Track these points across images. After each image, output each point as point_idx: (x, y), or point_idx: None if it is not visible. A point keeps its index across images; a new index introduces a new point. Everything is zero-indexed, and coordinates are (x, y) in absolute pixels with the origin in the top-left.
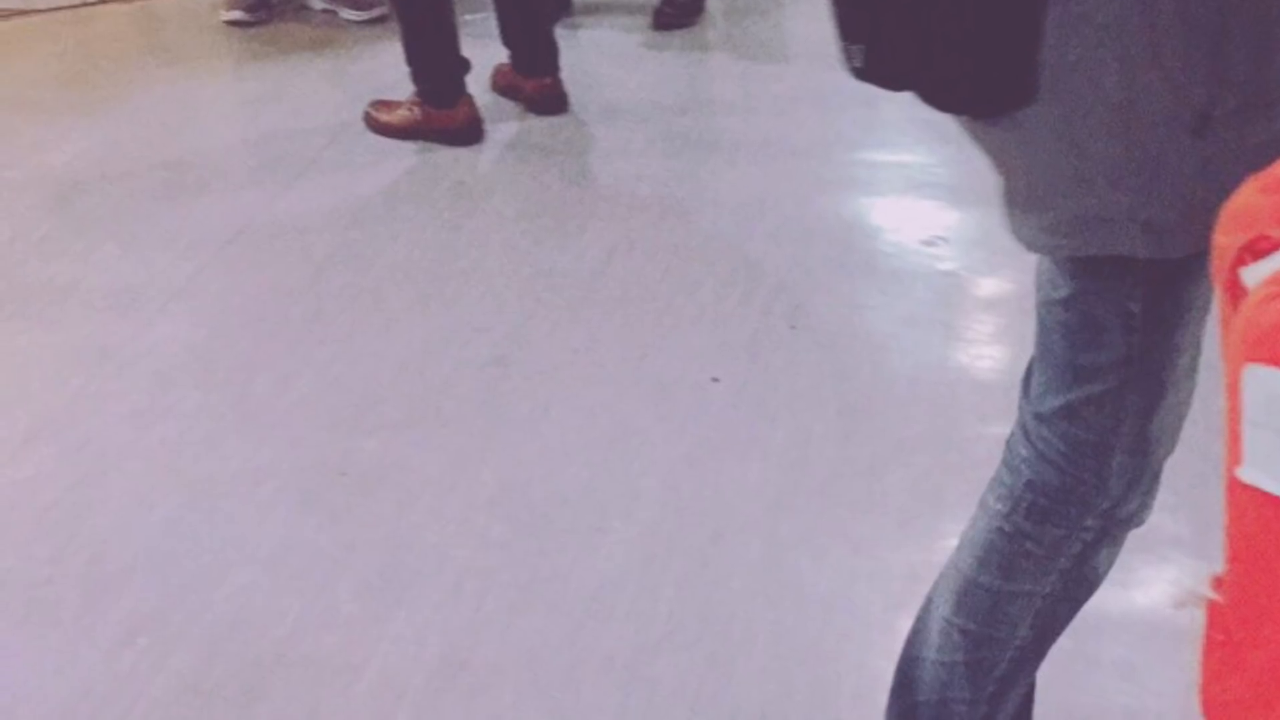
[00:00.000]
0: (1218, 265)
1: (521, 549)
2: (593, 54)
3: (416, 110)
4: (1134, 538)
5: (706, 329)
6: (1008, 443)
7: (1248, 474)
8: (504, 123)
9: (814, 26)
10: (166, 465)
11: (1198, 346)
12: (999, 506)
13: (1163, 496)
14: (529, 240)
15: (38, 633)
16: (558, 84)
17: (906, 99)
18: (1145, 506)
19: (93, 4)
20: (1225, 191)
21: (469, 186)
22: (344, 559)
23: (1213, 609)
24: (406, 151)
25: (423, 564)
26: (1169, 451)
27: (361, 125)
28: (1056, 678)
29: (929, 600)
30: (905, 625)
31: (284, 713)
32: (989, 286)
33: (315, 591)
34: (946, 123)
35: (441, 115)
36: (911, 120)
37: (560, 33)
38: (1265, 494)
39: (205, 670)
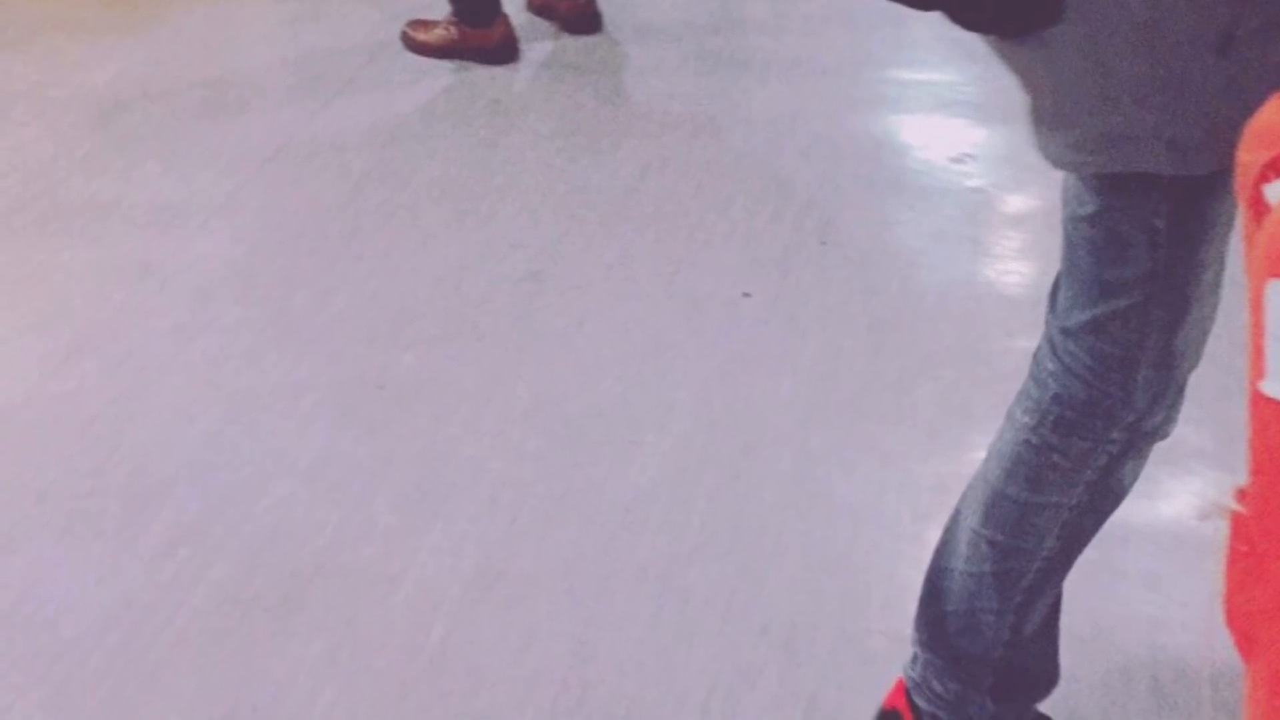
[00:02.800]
0: (1241, 182)
1: (556, 462)
2: None
3: (453, 29)
4: (1159, 450)
5: (738, 245)
6: (1034, 357)
7: (1270, 388)
8: (538, 42)
9: None
10: (206, 380)
11: (1221, 262)
12: (1026, 420)
13: (1187, 410)
14: (564, 158)
15: (80, 544)
16: (591, 3)
17: (935, 18)
18: (1170, 420)
19: None
20: (1249, 109)
21: (505, 105)
22: (381, 471)
23: (1236, 520)
24: (443, 70)
25: (459, 476)
26: (1193, 366)
27: (399, 45)
28: (1083, 588)
29: (957, 512)
30: (934, 536)
31: (322, 622)
32: (1016, 203)
33: (353, 503)
34: (974, 42)
35: (478, 35)
36: (940, 39)
37: None
38: None
39: (245, 580)
